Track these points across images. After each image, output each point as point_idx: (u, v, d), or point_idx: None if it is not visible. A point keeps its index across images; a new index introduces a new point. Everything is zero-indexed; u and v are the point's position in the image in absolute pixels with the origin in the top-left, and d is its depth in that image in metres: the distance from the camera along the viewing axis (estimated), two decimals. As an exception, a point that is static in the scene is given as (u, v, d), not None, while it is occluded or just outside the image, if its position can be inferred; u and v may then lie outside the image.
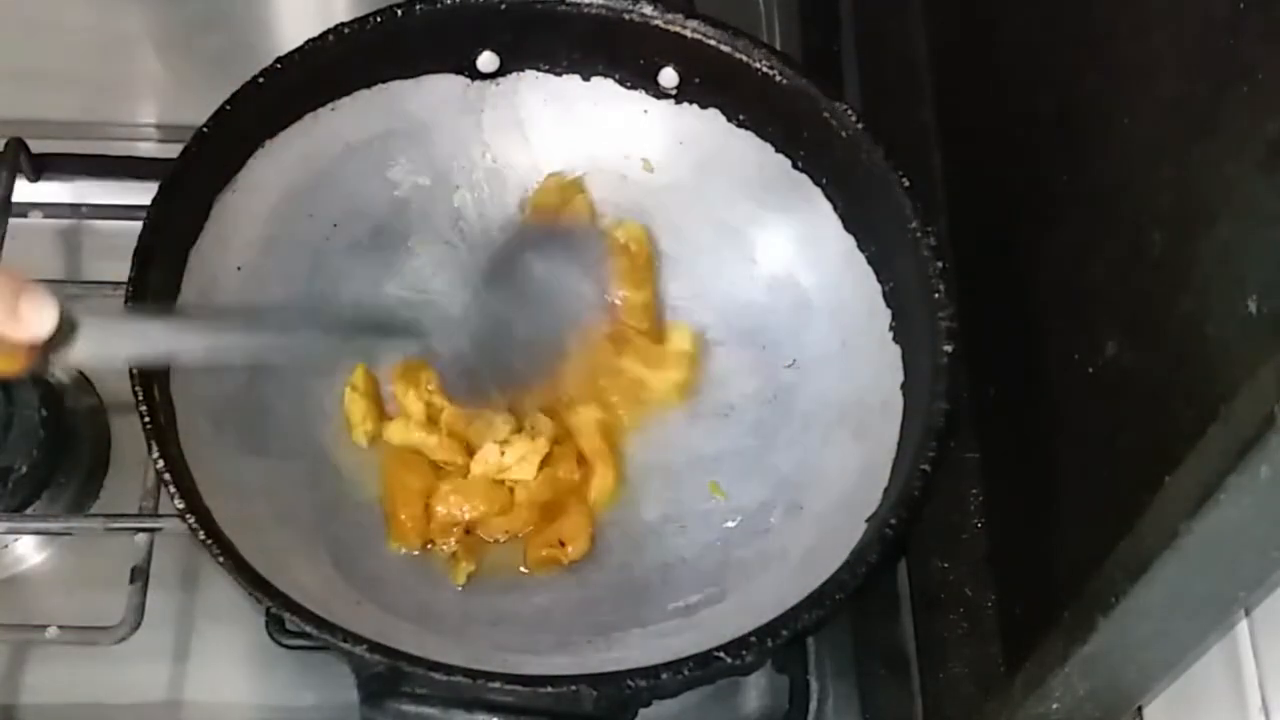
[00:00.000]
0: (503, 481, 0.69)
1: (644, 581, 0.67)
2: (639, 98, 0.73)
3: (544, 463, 0.69)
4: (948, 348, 0.62)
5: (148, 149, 0.81)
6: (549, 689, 0.56)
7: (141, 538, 0.67)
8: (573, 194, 0.74)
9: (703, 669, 0.56)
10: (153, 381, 0.61)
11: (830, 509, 0.66)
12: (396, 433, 0.69)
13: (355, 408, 0.69)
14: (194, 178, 0.66)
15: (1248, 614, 0.52)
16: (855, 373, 0.68)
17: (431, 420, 0.69)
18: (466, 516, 0.67)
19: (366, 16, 0.68)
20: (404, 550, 0.67)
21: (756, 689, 0.71)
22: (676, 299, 0.74)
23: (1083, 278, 0.57)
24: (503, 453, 0.68)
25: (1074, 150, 0.58)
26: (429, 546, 0.67)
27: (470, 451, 0.69)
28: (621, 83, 0.73)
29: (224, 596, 0.71)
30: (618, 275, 0.73)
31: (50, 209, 0.79)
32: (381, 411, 0.70)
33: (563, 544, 0.68)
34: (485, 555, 0.68)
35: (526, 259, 0.71)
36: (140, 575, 0.66)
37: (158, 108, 0.86)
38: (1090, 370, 0.55)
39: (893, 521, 0.60)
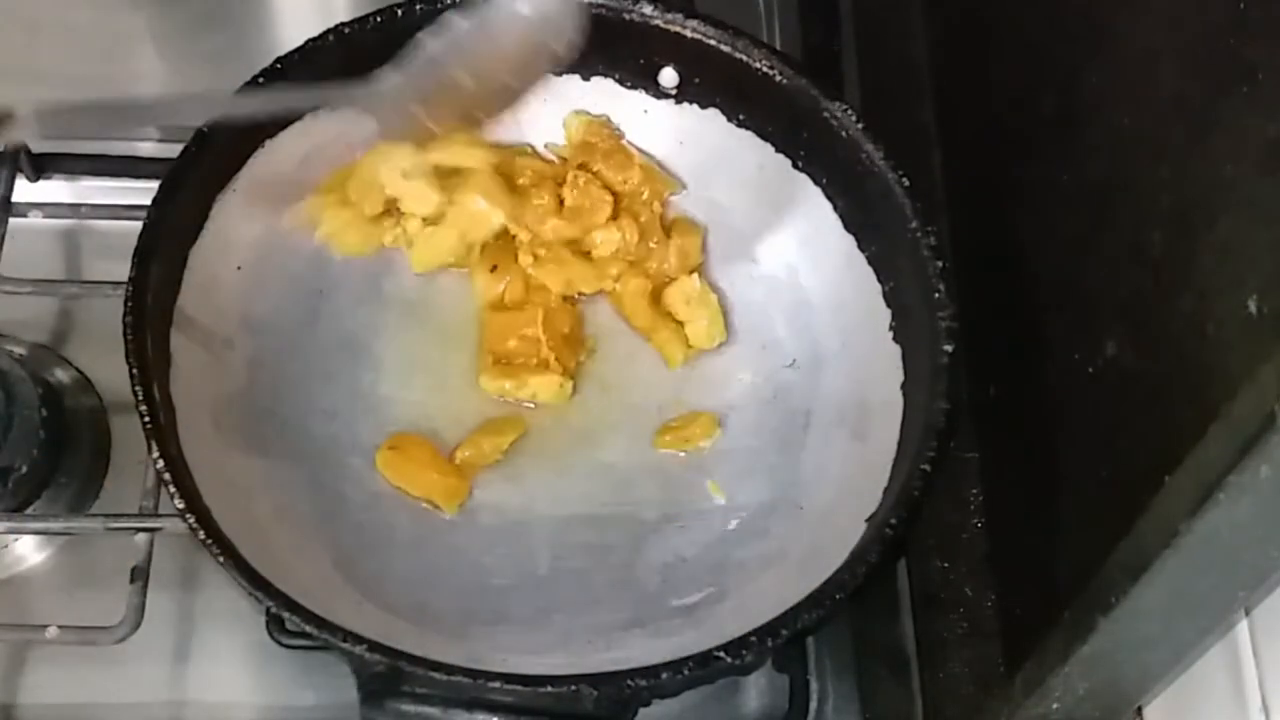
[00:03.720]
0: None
1: (644, 581, 0.67)
2: (639, 98, 0.73)
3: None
4: (948, 348, 0.62)
5: (148, 149, 0.81)
6: (549, 689, 0.56)
7: (141, 538, 0.66)
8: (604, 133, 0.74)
9: (703, 669, 0.56)
10: (153, 381, 0.61)
11: (830, 509, 0.66)
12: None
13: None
14: (194, 178, 0.66)
15: (1248, 614, 0.52)
16: (855, 373, 0.68)
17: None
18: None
19: (366, 16, 0.68)
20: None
21: (756, 689, 0.71)
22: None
23: (1083, 278, 0.57)
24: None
25: (1074, 150, 0.58)
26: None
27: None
28: (621, 83, 0.73)
29: (224, 596, 0.71)
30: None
31: (50, 209, 0.79)
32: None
33: None
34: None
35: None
36: (140, 575, 0.66)
37: (158, 107, 0.86)
38: (1090, 370, 0.55)
39: (893, 521, 0.60)
